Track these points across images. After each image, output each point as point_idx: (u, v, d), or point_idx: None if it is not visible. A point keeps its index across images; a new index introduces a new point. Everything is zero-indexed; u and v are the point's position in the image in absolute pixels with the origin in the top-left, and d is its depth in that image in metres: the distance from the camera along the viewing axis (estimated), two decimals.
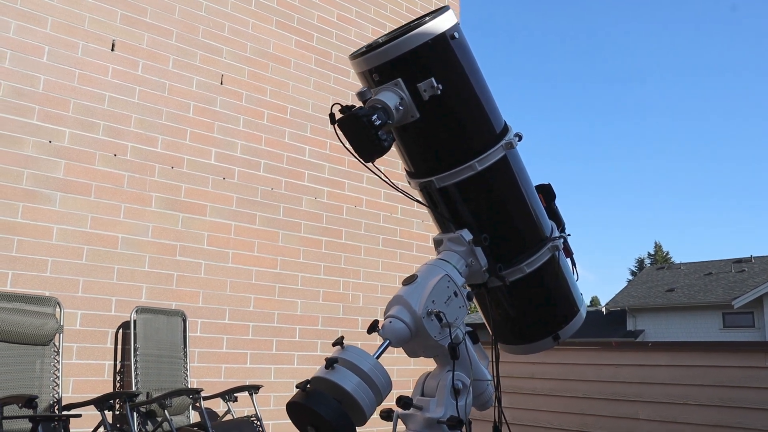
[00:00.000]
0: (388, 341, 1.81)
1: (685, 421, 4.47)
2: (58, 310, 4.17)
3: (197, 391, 4.17)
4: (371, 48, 1.92)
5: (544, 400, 5.21)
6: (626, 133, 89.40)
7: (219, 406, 4.87)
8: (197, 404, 4.28)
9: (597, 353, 5.13)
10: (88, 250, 4.56)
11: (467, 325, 2.02)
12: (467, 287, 2.10)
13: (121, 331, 4.60)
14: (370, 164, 1.92)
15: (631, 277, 46.16)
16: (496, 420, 2.03)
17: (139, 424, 4.24)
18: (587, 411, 4.94)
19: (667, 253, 55.23)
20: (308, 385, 1.62)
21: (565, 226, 2.38)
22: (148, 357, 4.50)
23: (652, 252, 56.20)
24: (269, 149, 5.73)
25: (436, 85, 1.87)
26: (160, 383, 4.49)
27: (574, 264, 2.48)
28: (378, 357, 1.78)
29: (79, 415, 3.59)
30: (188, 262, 5.07)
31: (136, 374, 4.38)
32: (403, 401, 1.79)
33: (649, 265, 47.97)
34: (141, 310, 4.58)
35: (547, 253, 2.09)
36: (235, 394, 4.63)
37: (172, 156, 5.11)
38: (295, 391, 1.64)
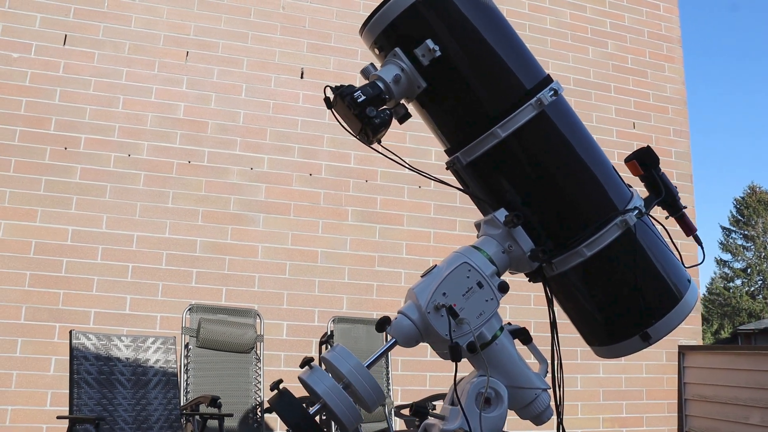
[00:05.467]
0: (393, 340, 1.62)
1: None
2: (258, 320, 4.55)
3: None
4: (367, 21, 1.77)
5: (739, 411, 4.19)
6: None
7: None
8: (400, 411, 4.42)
9: None
10: (290, 266, 4.91)
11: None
12: (525, 275, 1.80)
13: (323, 340, 4.85)
14: (377, 146, 1.78)
15: None
16: None
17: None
18: None
19: None
20: (280, 386, 1.51)
21: (677, 196, 1.88)
22: None
23: None
24: None
25: (432, 47, 1.65)
26: None
27: (700, 244, 1.96)
28: (377, 357, 1.60)
29: (231, 415, 3.81)
30: (387, 272, 5.16)
31: None
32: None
33: None
34: (338, 320, 4.77)
35: (614, 230, 1.67)
36: (433, 402, 4.58)
37: (365, 170, 5.28)
38: None
